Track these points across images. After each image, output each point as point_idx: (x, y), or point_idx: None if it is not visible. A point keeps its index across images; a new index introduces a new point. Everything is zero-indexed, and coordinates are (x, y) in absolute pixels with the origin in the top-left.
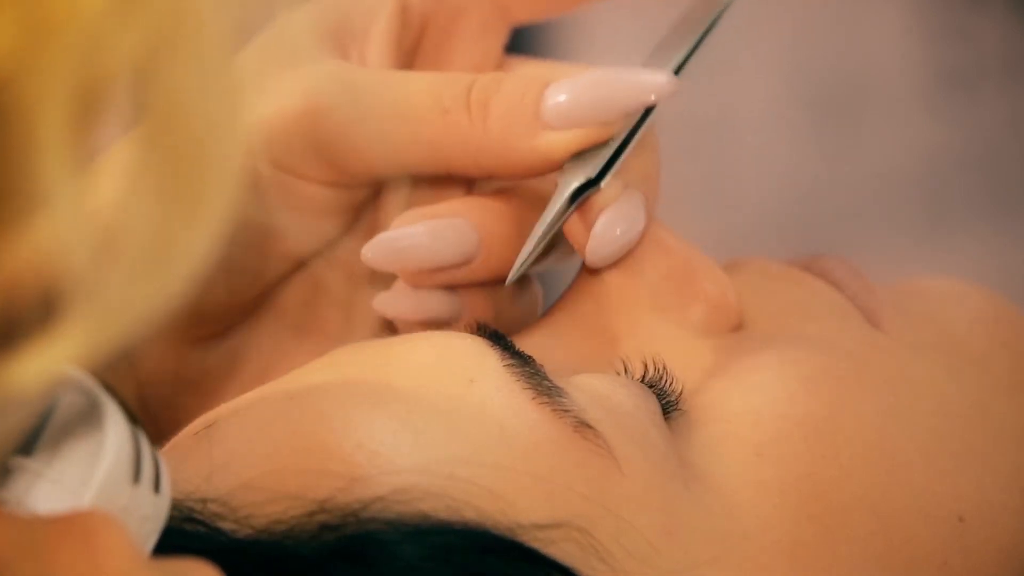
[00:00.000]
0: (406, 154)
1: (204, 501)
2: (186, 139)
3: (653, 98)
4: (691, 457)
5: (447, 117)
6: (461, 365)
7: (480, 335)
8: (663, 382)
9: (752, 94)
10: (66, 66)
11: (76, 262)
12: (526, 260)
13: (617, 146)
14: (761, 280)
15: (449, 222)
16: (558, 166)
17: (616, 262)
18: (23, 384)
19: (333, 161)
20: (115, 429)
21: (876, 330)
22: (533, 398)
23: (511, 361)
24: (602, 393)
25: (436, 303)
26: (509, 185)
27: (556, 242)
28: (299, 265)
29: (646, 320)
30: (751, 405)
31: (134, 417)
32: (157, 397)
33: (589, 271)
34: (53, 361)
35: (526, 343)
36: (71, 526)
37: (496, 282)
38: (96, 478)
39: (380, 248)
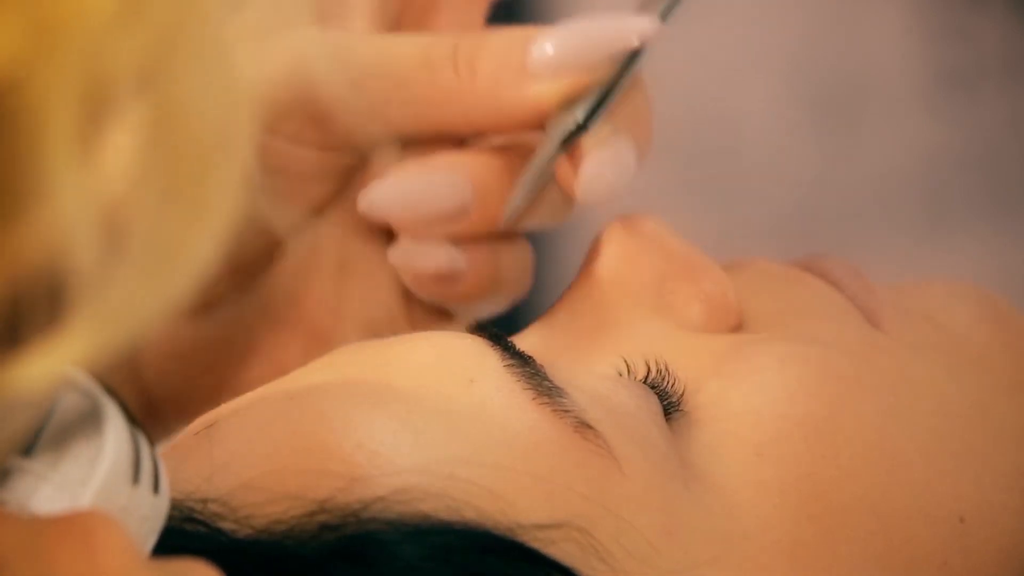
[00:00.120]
0: (395, 114)
1: (204, 501)
2: (191, 140)
3: (637, 41)
4: (691, 457)
5: (435, 75)
6: (461, 365)
7: (480, 335)
8: (665, 383)
9: (752, 94)
10: (73, 69)
11: (82, 263)
12: (518, 203)
13: (605, 91)
14: (761, 280)
15: (443, 173)
16: (548, 117)
17: (616, 262)
18: (27, 385)
19: (322, 124)
20: (115, 429)
21: (876, 330)
22: (533, 398)
23: (511, 361)
24: (603, 393)
25: (444, 255)
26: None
27: (549, 193)
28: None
29: (646, 320)
30: (751, 405)
31: (134, 418)
32: (150, 370)
33: (589, 271)
34: (57, 362)
35: (526, 343)
36: (70, 526)
37: (494, 239)
38: (95, 478)
39: (375, 196)
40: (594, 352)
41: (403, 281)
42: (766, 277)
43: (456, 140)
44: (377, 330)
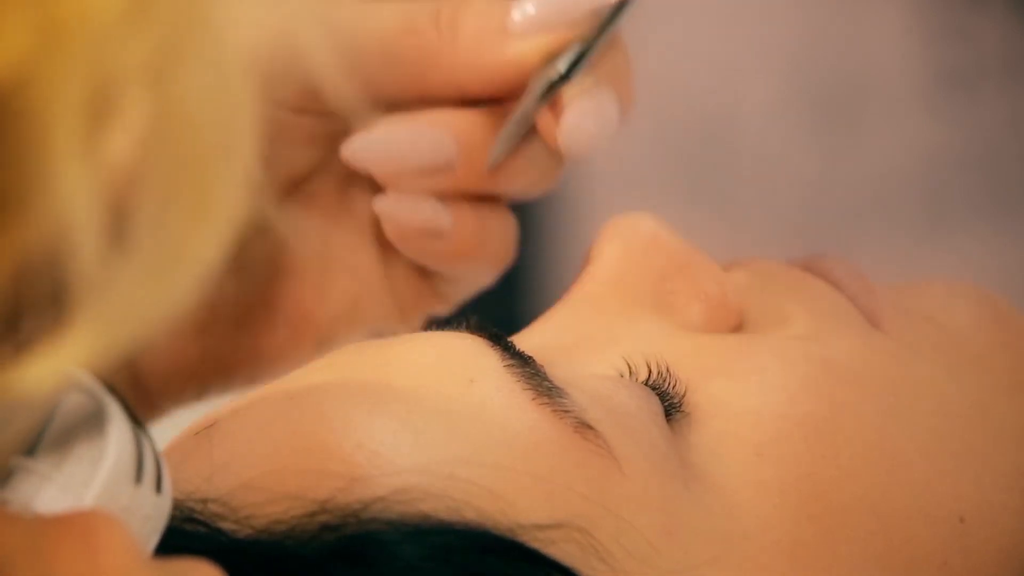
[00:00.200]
0: (379, 78)
1: (205, 501)
2: (195, 141)
3: None
4: (691, 457)
5: (418, 37)
6: (461, 365)
7: (480, 335)
8: (666, 384)
9: (752, 94)
10: (78, 70)
11: (86, 263)
12: (500, 150)
13: (588, 43)
14: (761, 280)
15: (428, 126)
16: (531, 75)
17: (616, 262)
18: (31, 386)
19: (307, 89)
20: (117, 429)
21: (876, 330)
22: (533, 398)
23: (511, 361)
24: (603, 393)
25: (430, 209)
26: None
27: (535, 151)
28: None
29: (646, 320)
30: (751, 405)
31: (136, 418)
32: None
33: (589, 271)
34: (61, 363)
35: (526, 343)
36: (73, 526)
37: (480, 203)
38: (98, 478)
39: (358, 145)
40: (594, 352)
41: (386, 234)
42: (766, 277)
43: (442, 105)
44: (360, 316)
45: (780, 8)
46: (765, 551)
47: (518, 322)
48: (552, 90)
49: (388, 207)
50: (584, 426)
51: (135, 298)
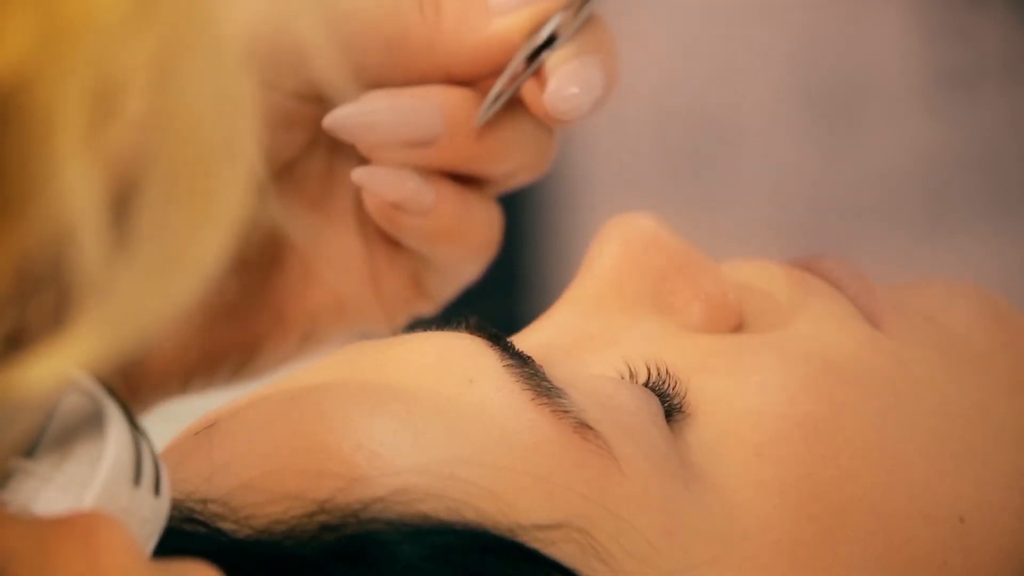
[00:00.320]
0: (364, 60)
1: (204, 502)
2: (198, 142)
3: None
4: (691, 457)
5: (400, 19)
6: (461, 365)
7: (480, 335)
8: (666, 386)
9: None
10: (82, 70)
11: (88, 263)
12: (487, 112)
13: (569, 13)
14: (761, 280)
15: (412, 99)
16: (514, 51)
17: (616, 262)
18: (31, 387)
19: (294, 71)
20: (116, 431)
21: (876, 330)
22: (533, 398)
23: (511, 361)
24: (603, 393)
25: (412, 183)
26: None
27: (524, 124)
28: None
29: (646, 320)
30: (751, 405)
31: (135, 420)
32: None
33: (589, 270)
34: (62, 365)
35: (526, 342)
36: (72, 527)
37: (464, 186)
38: (97, 480)
39: (341, 114)
40: (594, 352)
41: (367, 207)
42: (766, 277)
43: None
44: (345, 309)
45: (780, 8)
46: (765, 551)
47: (518, 322)
48: (538, 54)
49: (370, 178)
50: (584, 426)
51: (137, 299)
